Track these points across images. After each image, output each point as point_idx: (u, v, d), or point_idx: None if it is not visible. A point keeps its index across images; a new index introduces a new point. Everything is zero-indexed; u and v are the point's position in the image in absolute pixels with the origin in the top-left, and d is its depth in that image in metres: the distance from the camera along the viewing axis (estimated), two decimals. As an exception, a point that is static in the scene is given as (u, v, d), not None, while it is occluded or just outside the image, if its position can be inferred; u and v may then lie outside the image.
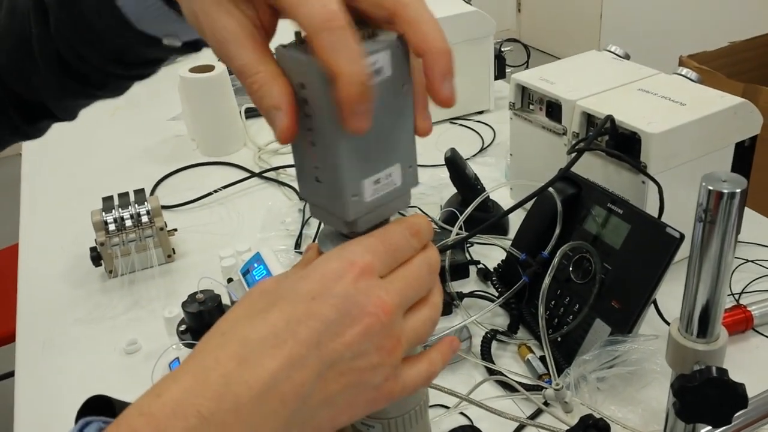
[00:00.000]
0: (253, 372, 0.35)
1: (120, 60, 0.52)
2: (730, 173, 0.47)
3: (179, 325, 0.88)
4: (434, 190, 1.15)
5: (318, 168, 0.39)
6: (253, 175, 1.30)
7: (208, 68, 1.34)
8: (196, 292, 0.85)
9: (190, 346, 0.83)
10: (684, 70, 0.96)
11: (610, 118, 0.86)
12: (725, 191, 0.47)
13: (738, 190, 0.47)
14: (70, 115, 0.61)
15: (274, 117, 0.36)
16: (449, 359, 0.45)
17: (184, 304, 0.85)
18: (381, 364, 0.39)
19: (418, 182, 0.44)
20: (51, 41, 0.51)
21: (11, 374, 0.93)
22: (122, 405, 0.47)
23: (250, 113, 1.51)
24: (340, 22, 0.34)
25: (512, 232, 1.04)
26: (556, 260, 0.81)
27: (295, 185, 1.23)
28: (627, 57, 1.06)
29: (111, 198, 1.04)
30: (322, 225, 0.44)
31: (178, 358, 0.84)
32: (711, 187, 0.47)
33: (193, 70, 1.33)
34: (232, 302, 0.86)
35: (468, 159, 1.17)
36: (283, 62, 0.37)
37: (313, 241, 1.07)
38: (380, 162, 0.41)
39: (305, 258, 0.44)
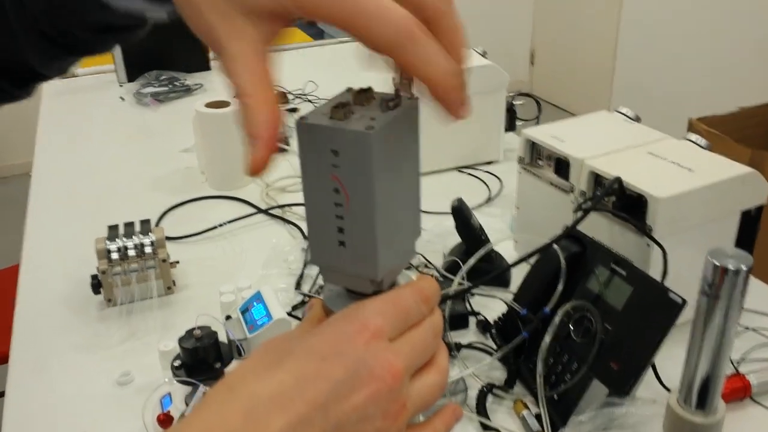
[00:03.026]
0: (259, 430, 0.35)
1: (105, 30, 0.52)
2: (736, 249, 0.47)
3: (174, 359, 0.87)
4: (439, 237, 1.15)
5: (345, 232, 0.39)
6: (259, 211, 1.30)
7: (224, 104, 1.35)
8: (193, 328, 0.85)
9: (184, 383, 0.83)
10: (693, 137, 0.96)
11: (618, 180, 0.86)
12: (730, 267, 0.47)
13: (744, 267, 0.47)
14: (62, 73, 0.60)
15: (252, 145, 0.36)
16: (452, 428, 0.45)
17: (180, 340, 0.84)
18: (386, 429, 0.38)
19: (420, 232, 0.44)
20: (31, 21, 0.51)
21: (1, 395, 0.93)
22: None
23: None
24: (421, 29, 0.34)
25: (514, 284, 1.03)
26: (557, 319, 0.80)
27: (301, 224, 1.24)
28: (638, 119, 1.07)
29: (116, 227, 1.04)
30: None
31: (169, 394, 0.83)
32: (717, 262, 0.47)
33: (209, 105, 1.35)
34: (229, 341, 0.86)
35: (474, 208, 1.17)
36: (312, 132, 0.37)
37: (314, 283, 1.07)
38: (402, 221, 0.41)
39: (311, 316, 0.44)
